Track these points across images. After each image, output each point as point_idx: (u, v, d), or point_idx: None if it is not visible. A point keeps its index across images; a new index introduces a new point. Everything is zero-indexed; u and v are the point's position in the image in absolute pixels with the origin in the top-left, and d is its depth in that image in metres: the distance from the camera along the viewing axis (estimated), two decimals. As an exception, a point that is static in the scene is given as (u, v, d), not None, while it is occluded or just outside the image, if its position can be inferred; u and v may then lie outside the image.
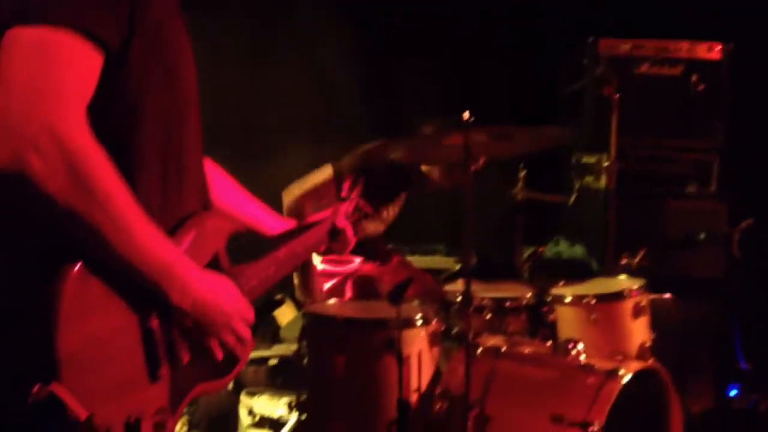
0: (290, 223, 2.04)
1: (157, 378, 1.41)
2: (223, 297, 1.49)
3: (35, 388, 1.22)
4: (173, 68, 1.47)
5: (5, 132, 1.21)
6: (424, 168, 3.31)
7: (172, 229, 1.47)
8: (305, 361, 2.89)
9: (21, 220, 1.32)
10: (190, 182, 1.54)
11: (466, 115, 2.44)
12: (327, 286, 3.62)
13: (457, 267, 4.30)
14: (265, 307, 4.52)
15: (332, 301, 3.29)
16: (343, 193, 2.20)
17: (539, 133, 2.70)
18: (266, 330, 4.45)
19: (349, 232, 2.09)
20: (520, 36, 4.85)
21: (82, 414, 1.24)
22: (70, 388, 1.24)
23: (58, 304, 1.24)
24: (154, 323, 1.40)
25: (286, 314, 4.56)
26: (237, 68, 4.51)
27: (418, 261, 4.31)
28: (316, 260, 3.66)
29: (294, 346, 4.08)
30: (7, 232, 1.34)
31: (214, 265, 1.55)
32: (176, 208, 1.50)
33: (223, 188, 1.93)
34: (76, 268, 1.28)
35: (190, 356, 1.48)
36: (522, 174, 3.67)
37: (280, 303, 4.58)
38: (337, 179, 3.26)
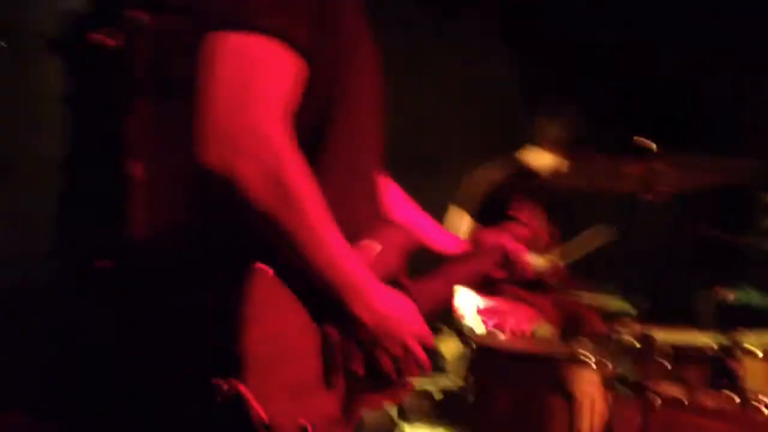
0: (463, 243, 2.00)
1: (331, 386, 1.41)
2: (401, 314, 1.48)
3: (223, 386, 1.23)
4: (362, 76, 1.49)
5: (214, 134, 1.25)
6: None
7: (354, 240, 1.47)
8: (471, 396, 2.84)
9: (216, 213, 1.36)
10: (369, 195, 1.56)
11: (647, 141, 2.31)
12: (491, 323, 3.55)
13: (631, 309, 4.10)
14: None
15: (502, 336, 3.22)
16: (514, 214, 2.15)
17: (726, 166, 2.51)
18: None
19: (522, 258, 2.02)
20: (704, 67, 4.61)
21: (264, 416, 1.24)
22: (253, 388, 1.25)
23: (248, 301, 1.26)
24: (333, 330, 1.40)
25: (449, 347, 4.52)
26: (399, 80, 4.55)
27: (588, 299, 4.15)
28: (477, 300, 3.60)
29: (457, 379, 4.04)
30: (200, 220, 1.39)
31: (393, 278, 1.55)
32: (353, 217, 1.50)
33: (397, 202, 1.93)
34: (265, 266, 1.29)
35: (364, 368, 1.47)
36: (708, 211, 3.44)
37: (437, 331, 4.55)
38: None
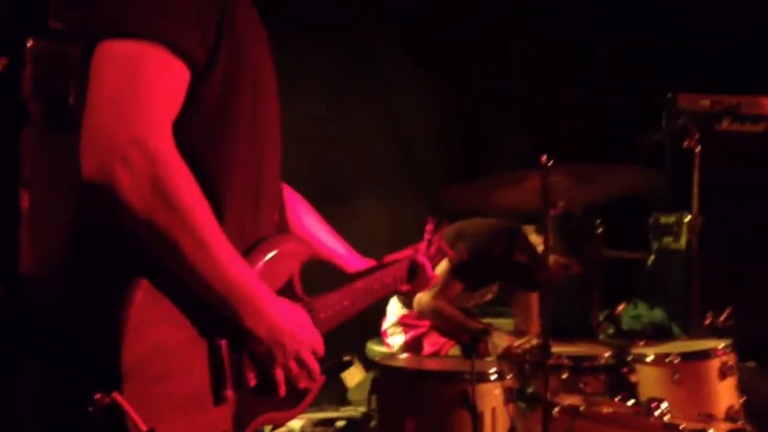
0: (369, 261, 2.01)
1: (221, 400, 1.37)
2: (295, 326, 1.46)
3: (97, 396, 1.20)
4: (257, 87, 1.47)
5: (94, 144, 1.23)
6: (552, 259, 3.27)
7: (248, 250, 1.46)
8: (373, 423, 2.82)
9: (99, 231, 1.33)
10: (267, 204, 1.54)
11: (545, 158, 2.39)
12: (404, 338, 3.57)
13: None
14: (333, 369, 4.47)
15: (404, 355, 3.23)
16: (427, 235, 2.17)
17: (622, 174, 2.62)
18: (334, 391, 4.39)
19: (429, 269, 2.05)
20: (599, 91, 4.83)
21: (143, 426, 1.21)
22: (132, 398, 1.22)
23: (126, 312, 1.24)
24: (222, 342, 1.37)
25: (354, 376, 4.50)
26: (317, 116, 4.58)
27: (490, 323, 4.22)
28: (394, 316, 3.62)
29: (362, 408, 4.02)
30: (83, 241, 1.36)
31: (287, 289, 1.53)
32: (252, 229, 1.49)
33: (304, 217, 1.91)
34: (147, 279, 1.27)
35: (256, 381, 1.44)
36: (599, 231, 3.57)
37: (348, 364, 4.53)
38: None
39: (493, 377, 2.66)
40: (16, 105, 2.76)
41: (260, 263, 1.47)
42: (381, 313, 3.70)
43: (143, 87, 1.25)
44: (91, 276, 1.33)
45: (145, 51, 1.27)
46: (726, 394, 2.84)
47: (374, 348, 3.69)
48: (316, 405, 4.16)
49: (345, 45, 4.67)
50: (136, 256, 1.28)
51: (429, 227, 2.17)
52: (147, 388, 1.24)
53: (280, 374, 1.46)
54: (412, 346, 3.51)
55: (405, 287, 2.05)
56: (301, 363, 1.48)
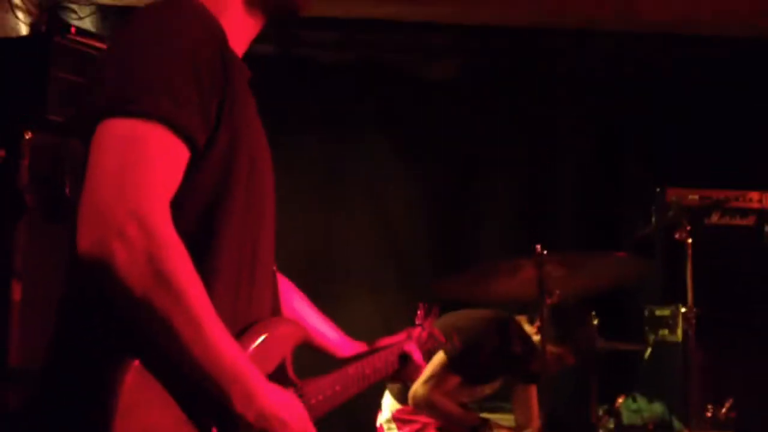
0: (360, 345, 1.98)
1: None
2: (286, 413, 1.41)
3: None
4: (254, 172, 1.48)
5: (92, 218, 1.22)
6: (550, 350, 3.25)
7: (240, 332, 1.43)
8: None
9: (88, 312, 1.31)
10: (261, 287, 1.52)
11: (539, 247, 2.40)
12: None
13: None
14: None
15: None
16: (418, 320, 2.15)
17: (615, 261, 2.63)
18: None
19: (418, 357, 2.01)
20: (588, 187, 4.90)
21: None
22: None
23: (117, 396, 1.20)
24: (213, 429, 1.33)
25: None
26: (305, 212, 4.61)
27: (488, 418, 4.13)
28: (388, 411, 3.55)
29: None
30: (76, 318, 1.33)
31: (279, 372, 1.50)
32: (246, 312, 1.46)
33: (294, 301, 1.90)
34: (138, 360, 1.25)
35: None
36: (594, 323, 3.55)
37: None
38: None
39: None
40: (13, 196, 2.77)
41: (252, 346, 1.44)
42: (374, 407, 3.63)
43: (143, 164, 1.26)
44: (80, 358, 1.30)
45: (147, 130, 1.27)
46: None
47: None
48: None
49: (334, 138, 4.76)
50: (128, 337, 1.26)
51: (420, 312, 2.15)
52: None
53: None
54: None
55: (393, 371, 2.00)
56: None
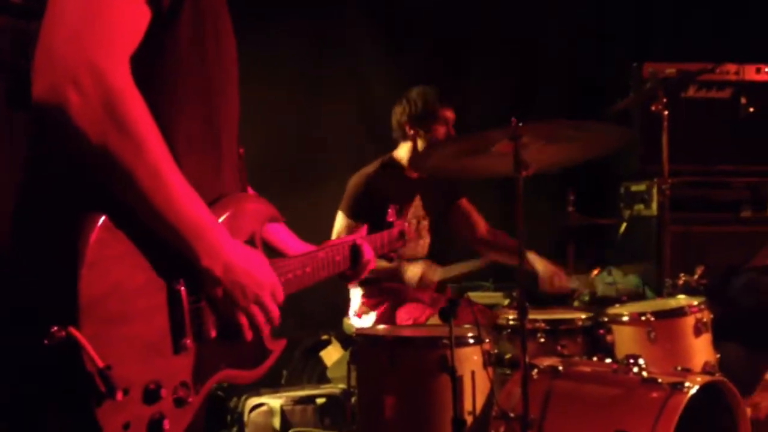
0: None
1: (181, 348, 1.33)
2: (255, 267, 1.42)
3: (53, 329, 1.17)
4: (220, 48, 1.45)
5: (47, 65, 1.20)
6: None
7: (208, 204, 1.40)
8: (353, 399, 2.81)
9: (55, 162, 1.30)
10: (226, 162, 1.51)
11: (514, 120, 2.39)
12: (375, 314, 3.56)
13: (506, 301, 4.21)
14: (311, 348, 4.46)
15: (382, 326, 3.22)
16: (389, 218, 2.16)
17: (593, 131, 2.62)
18: (313, 370, 4.38)
19: (366, 252, 1.97)
20: (569, 60, 4.86)
21: (99, 362, 1.18)
22: (90, 335, 1.19)
23: (83, 248, 1.20)
24: (182, 287, 1.33)
25: (332, 354, 4.48)
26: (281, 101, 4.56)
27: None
28: (358, 299, 3.62)
29: (342, 386, 4.01)
30: (39, 173, 1.32)
31: (249, 245, 1.49)
32: (213, 182, 1.45)
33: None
34: (105, 215, 1.24)
35: (216, 331, 1.40)
36: (571, 198, 3.59)
37: (326, 343, 4.51)
38: None
39: (471, 341, 2.66)
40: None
41: (221, 217, 1.43)
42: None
43: (102, 16, 1.23)
44: (46, 216, 1.28)
45: None
46: (701, 350, 2.87)
47: (351, 323, 3.68)
48: (296, 383, 4.14)
49: (314, 31, 4.65)
50: (94, 193, 1.25)
51: (391, 211, 2.16)
52: (104, 327, 1.21)
53: (242, 318, 1.42)
54: (385, 319, 3.50)
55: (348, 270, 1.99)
56: (262, 306, 1.43)
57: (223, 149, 1.49)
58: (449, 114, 3.52)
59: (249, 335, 1.44)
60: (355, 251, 1.96)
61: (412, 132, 3.55)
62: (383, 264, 3.39)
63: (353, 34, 4.70)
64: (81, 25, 1.21)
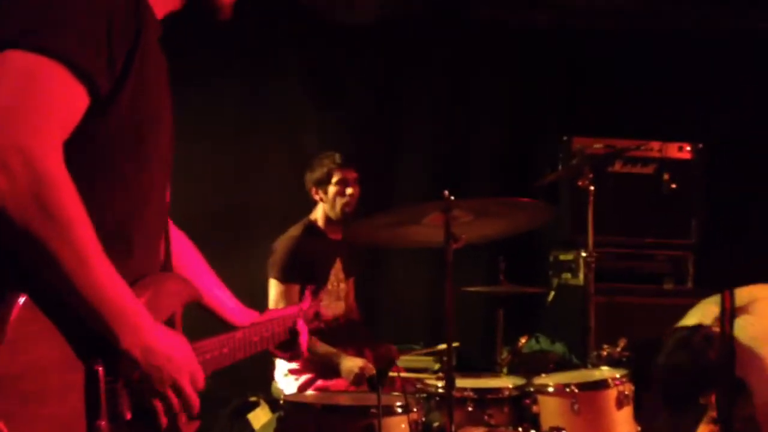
0: (252, 314, 1.97)
1: (95, 430, 1.31)
2: (173, 351, 1.41)
3: None
4: (155, 128, 1.47)
5: None
6: None
7: (130, 285, 1.40)
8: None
9: None
10: (153, 243, 1.52)
11: (446, 193, 2.45)
12: (300, 381, 3.55)
13: (436, 365, 4.24)
14: (239, 409, 4.39)
15: (311, 391, 3.21)
16: (305, 300, 2.18)
17: (520, 208, 2.70)
18: (241, 432, 4.31)
19: (303, 338, 2.01)
20: (501, 137, 5.00)
21: None
22: (3, 414, 1.17)
23: (4, 325, 1.20)
24: (99, 368, 1.32)
25: (260, 417, 4.42)
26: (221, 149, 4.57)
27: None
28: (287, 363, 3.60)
29: (268, 449, 3.95)
30: None
31: (168, 326, 1.48)
32: (137, 266, 1.46)
33: (191, 261, 1.87)
34: (26, 295, 1.24)
35: (131, 414, 1.38)
36: (502, 266, 3.66)
37: (255, 405, 4.45)
38: None
39: (399, 411, 2.68)
40: None
41: (141, 297, 1.42)
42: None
43: (35, 100, 1.23)
44: None
45: (46, 66, 1.25)
46: (623, 423, 2.94)
47: (279, 387, 3.65)
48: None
49: (249, 85, 4.69)
50: (16, 272, 1.24)
51: (308, 292, 2.19)
52: (18, 406, 1.20)
53: (157, 403, 1.40)
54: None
55: (280, 354, 2.02)
56: (179, 392, 1.42)
57: (151, 229, 1.51)
58: (347, 174, 3.61)
59: (164, 420, 1.42)
60: (293, 334, 1.98)
61: (317, 196, 3.64)
62: (322, 348, 3.41)
63: (291, 96, 4.76)
64: (14, 108, 1.22)
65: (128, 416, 1.38)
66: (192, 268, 1.87)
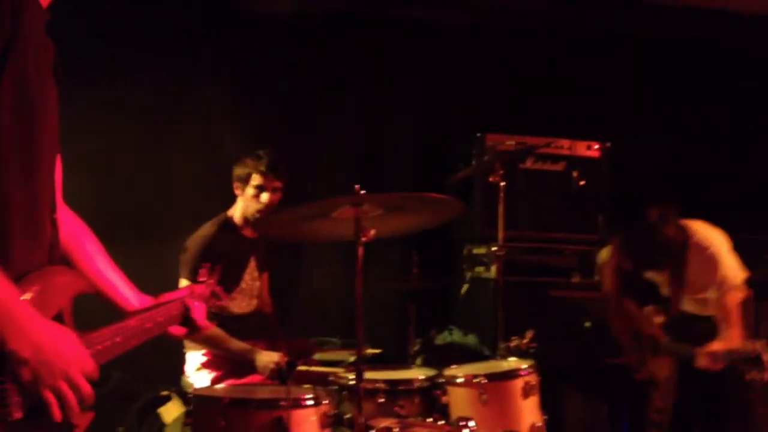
0: (147, 298, 1.97)
1: None
2: (62, 345, 1.40)
3: None
4: (34, 116, 1.44)
5: None
6: None
7: (15, 280, 1.39)
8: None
9: None
10: (38, 236, 1.50)
11: (357, 187, 2.47)
12: (213, 375, 3.52)
13: (348, 355, 4.26)
14: (150, 404, 4.32)
15: (221, 385, 3.19)
16: (201, 278, 2.17)
17: (431, 203, 2.74)
18: (150, 428, 4.24)
19: (198, 314, 2.03)
20: (416, 132, 5.04)
21: None
22: None
23: None
24: None
25: (171, 411, 4.36)
26: (135, 149, 4.48)
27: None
28: (199, 358, 3.57)
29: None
30: None
31: (57, 322, 1.47)
32: (21, 261, 1.44)
33: (86, 248, 1.86)
34: None
35: (22, 413, 1.36)
36: (415, 260, 3.72)
37: (166, 399, 4.39)
38: None
39: (309, 403, 2.68)
40: None
41: (28, 293, 1.41)
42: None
43: None
44: None
45: None
46: (529, 412, 3.02)
47: (189, 381, 3.61)
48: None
49: (164, 78, 4.61)
50: None
51: (203, 270, 2.17)
52: None
53: (49, 396, 1.39)
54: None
55: (178, 330, 2.03)
56: (70, 383, 1.41)
57: (35, 222, 1.49)
58: (268, 182, 3.57)
59: (57, 414, 1.40)
60: (185, 312, 1.97)
61: (237, 191, 3.63)
62: (236, 345, 3.39)
63: (206, 90, 4.69)
64: None
65: (18, 416, 1.36)
66: (84, 253, 1.86)
